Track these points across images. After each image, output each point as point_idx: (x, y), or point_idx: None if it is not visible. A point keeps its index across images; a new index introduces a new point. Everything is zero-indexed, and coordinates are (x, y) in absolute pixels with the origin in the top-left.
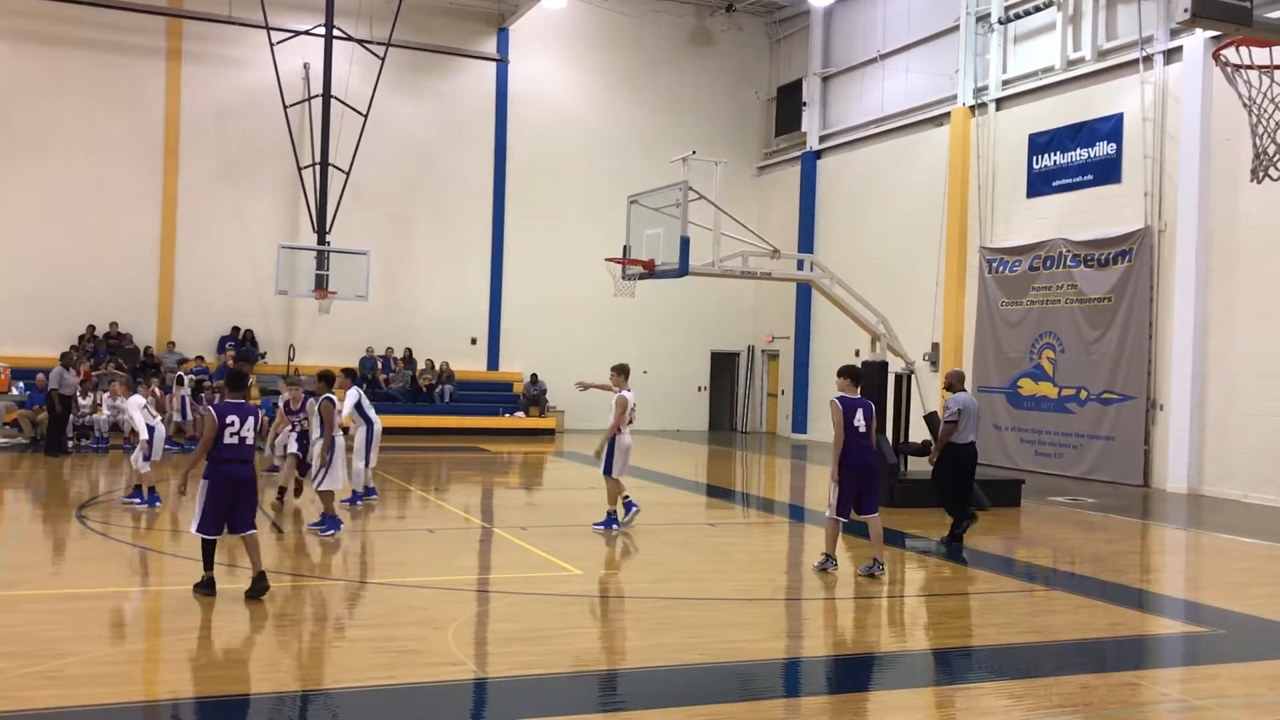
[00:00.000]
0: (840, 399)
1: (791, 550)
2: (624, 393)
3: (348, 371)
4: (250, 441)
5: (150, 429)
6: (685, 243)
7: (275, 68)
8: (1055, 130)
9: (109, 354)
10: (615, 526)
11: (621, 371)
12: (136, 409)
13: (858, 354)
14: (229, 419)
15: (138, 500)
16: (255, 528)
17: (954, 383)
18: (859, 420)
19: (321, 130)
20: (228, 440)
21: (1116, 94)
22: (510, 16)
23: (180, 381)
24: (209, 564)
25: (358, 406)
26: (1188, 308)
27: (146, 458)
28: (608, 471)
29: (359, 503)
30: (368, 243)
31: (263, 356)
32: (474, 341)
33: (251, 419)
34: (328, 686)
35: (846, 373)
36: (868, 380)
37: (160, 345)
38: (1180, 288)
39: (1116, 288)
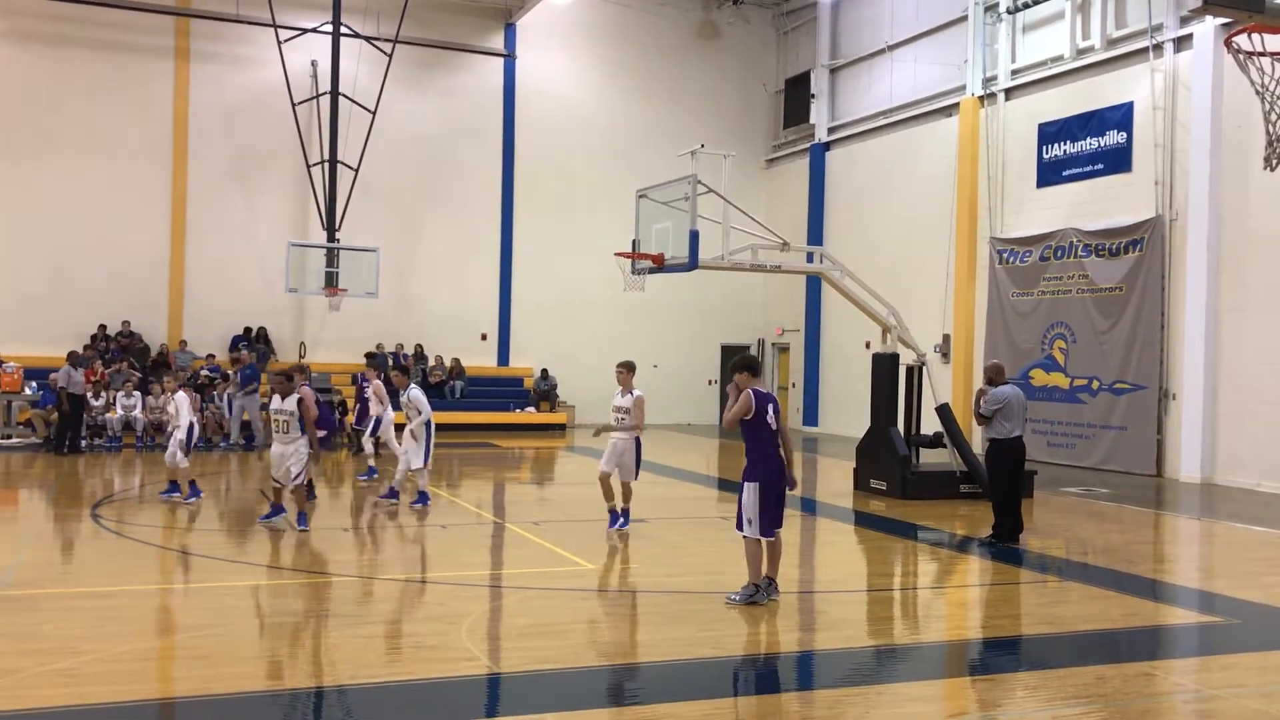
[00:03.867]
0: (754, 391)
1: (804, 543)
2: (638, 392)
3: (401, 367)
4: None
5: (191, 424)
6: (694, 236)
7: (283, 66)
8: (1065, 120)
9: (121, 353)
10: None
11: (630, 368)
12: (185, 404)
13: (868, 346)
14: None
15: (176, 494)
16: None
17: (994, 376)
18: (770, 417)
19: (330, 128)
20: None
21: (1126, 83)
22: (517, 11)
23: (225, 379)
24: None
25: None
26: (1199, 296)
27: (186, 452)
28: (636, 477)
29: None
30: (377, 239)
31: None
32: (484, 337)
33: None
34: (343, 682)
35: (746, 365)
36: (880, 372)
37: (172, 344)
38: (1192, 276)
39: (1128, 277)
